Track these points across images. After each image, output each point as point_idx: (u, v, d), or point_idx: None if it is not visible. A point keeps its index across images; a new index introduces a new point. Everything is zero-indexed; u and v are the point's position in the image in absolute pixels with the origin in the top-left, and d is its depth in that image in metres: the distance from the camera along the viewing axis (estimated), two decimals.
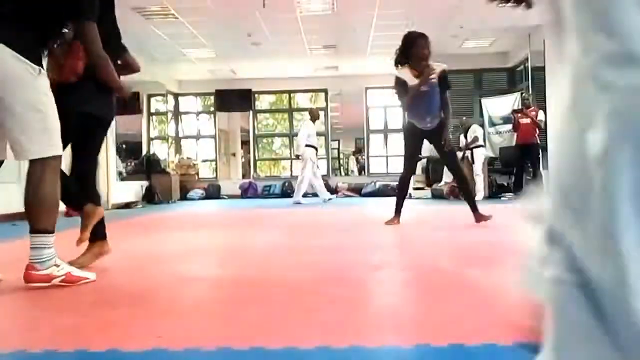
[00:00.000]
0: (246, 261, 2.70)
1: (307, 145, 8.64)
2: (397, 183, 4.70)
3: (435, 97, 4.17)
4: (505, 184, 8.87)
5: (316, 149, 8.84)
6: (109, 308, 1.68)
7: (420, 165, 10.84)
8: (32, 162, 1.91)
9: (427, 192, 9.52)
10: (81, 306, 1.71)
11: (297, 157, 9.39)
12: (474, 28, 8.70)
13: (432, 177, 9.90)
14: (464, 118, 9.22)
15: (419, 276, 2.16)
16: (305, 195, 9.00)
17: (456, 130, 9.81)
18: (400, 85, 4.24)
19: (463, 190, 4.51)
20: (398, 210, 4.40)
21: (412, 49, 4.19)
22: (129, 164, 9.90)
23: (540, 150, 7.83)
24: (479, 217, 4.13)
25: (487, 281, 1.97)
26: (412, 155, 4.56)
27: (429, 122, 4.19)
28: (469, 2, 7.48)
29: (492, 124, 9.75)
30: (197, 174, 12.34)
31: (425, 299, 1.78)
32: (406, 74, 4.20)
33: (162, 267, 2.54)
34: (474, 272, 2.16)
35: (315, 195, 9.28)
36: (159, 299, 1.84)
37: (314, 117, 8.86)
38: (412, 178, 4.77)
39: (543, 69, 7.86)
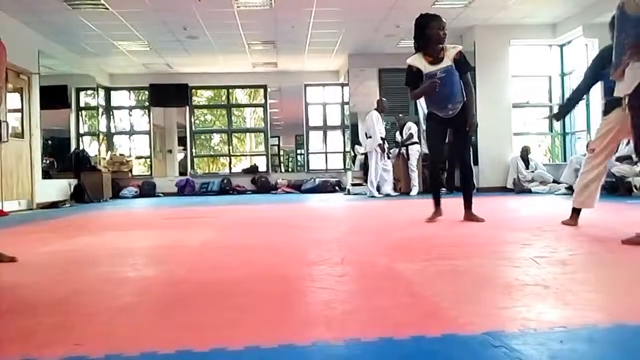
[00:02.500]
0: (178, 261, 2.63)
1: (369, 137, 8.58)
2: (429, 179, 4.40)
3: (455, 82, 3.82)
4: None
5: (383, 140, 8.64)
6: (25, 316, 1.57)
7: (358, 162, 11.02)
8: None
9: (365, 188, 9.66)
10: None
11: (363, 154, 9.24)
12: (409, 28, 8.89)
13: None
14: (400, 115, 9.44)
15: (353, 271, 2.18)
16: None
17: (392, 127, 10.03)
18: (412, 74, 3.97)
19: (465, 183, 4.11)
20: (437, 204, 4.08)
21: (426, 31, 3.85)
22: (55, 160, 9.36)
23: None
24: (469, 216, 3.94)
25: (419, 275, 2.02)
26: (437, 146, 4.17)
27: (451, 110, 3.87)
28: (404, 2, 7.65)
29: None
30: (131, 171, 11.92)
31: (357, 294, 1.80)
32: (420, 61, 3.91)
33: (87, 270, 2.42)
34: (407, 266, 2.20)
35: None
36: (81, 304, 1.75)
37: (381, 109, 8.63)
38: (439, 171, 4.53)
39: (473, 69, 8.17)
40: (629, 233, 2.66)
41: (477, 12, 8.27)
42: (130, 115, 13.02)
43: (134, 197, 11.05)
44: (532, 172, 8.63)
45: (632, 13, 2.53)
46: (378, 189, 8.63)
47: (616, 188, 6.92)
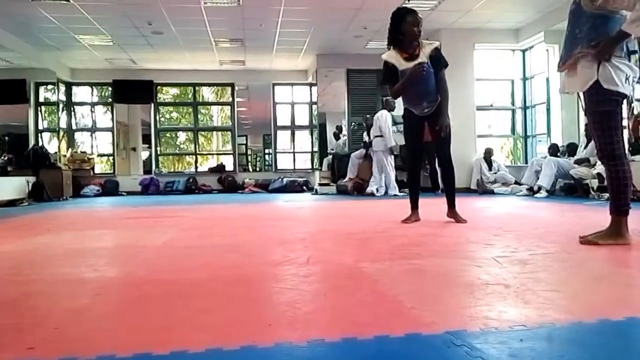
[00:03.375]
0: (139, 261, 2.56)
1: (378, 136, 8.53)
2: (406, 178, 4.17)
3: (430, 80, 3.75)
4: (404, 180, 9.24)
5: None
6: None
7: (326, 162, 11.04)
8: None
9: (333, 188, 9.70)
10: None
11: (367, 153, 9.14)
12: (377, 29, 8.98)
13: (337, 173, 10.10)
14: (367, 116, 9.50)
15: (318, 271, 2.17)
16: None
17: (359, 128, 10.08)
18: (388, 70, 3.84)
19: (448, 178, 4.05)
20: (414, 207, 4.02)
21: (401, 25, 3.76)
22: (13, 157, 9.03)
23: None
24: (453, 215, 3.92)
25: (384, 274, 2.02)
26: (412, 145, 4.08)
27: (426, 108, 3.83)
28: (371, 4, 7.71)
29: (394, 123, 10.13)
30: (93, 169, 11.61)
31: (322, 294, 1.79)
32: (395, 57, 3.82)
33: (43, 271, 2.33)
34: (372, 266, 2.21)
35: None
36: (36, 306, 1.68)
37: (390, 108, 8.54)
38: (417, 170, 4.23)
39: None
40: (585, 233, 2.74)
41: (443, 16, 8.40)
42: (93, 111, 12.68)
43: (96, 195, 10.77)
44: (495, 173, 8.82)
45: (587, 9, 2.57)
46: (360, 189, 8.73)
47: (574, 189, 7.16)
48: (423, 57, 3.76)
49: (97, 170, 12.07)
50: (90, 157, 11.58)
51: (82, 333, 1.35)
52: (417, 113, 3.89)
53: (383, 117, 8.55)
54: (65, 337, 1.31)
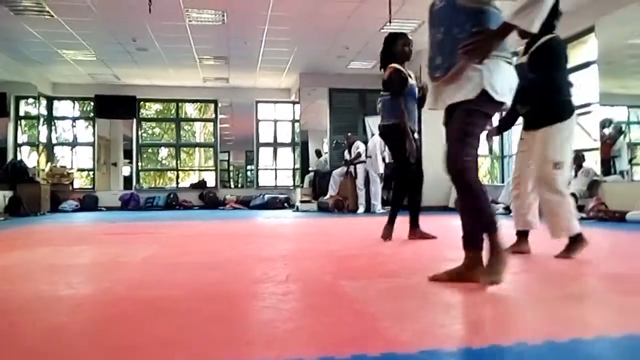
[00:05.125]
0: (117, 278, 2.54)
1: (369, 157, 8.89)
2: (395, 194, 4.21)
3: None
4: (385, 198, 9.31)
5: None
6: None
7: (307, 179, 11.07)
8: None
9: (314, 205, 9.72)
10: None
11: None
12: (358, 50, 9.12)
13: (318, 190, 10.14)
14: (349, 134, 9.59)
15: (297, 289, 2.18)
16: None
17: (338, 146, 10.17)
18: (402, 80, 3.93)
19: (417, 194, 4.09)
20: (391, 222, 4.00)
21: (392, 48, 4.00)
22: None
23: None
24: (421, 234, 3.98)
25: (362, 293, 2.04)
26: (408, 162, 4.01)
27: (414, 125, 4.02)
28: (353, 25, 7.84)
29: None
30: (72, 183, 11.44)
31: (300, 312, 1.80)
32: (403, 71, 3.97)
33: (18, 287, 2.29)
34: (350, 284, 2.23)
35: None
36: (9, 323, 1.65)
37: None
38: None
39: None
40: (551, 252, 2.81)
41: (424, 37, 8.55)
42: (74, 126, 12.56)
43: (74, 210, 10.61)
44: None
45: (467, 4, 2.10)
46: (341, 207, 8.82)
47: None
48: (412, 78, 4.03)
49: (77, 185, 11.91)
50: (69, 171, 11.44)
51: (56, 351, 1.34)
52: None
53: (374, 143, 8.90)
54: (39, 356, 1.30)
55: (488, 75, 2.05)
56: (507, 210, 7.59)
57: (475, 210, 2.13)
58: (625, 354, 1.33)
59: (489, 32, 2.04)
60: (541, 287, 2.23)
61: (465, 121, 2.09)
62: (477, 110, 2.09)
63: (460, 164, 2.08)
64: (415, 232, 4.03)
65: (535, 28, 1.97)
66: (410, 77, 4.01)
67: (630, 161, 6.86)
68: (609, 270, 2.65)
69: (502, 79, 2.07)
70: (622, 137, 6.83)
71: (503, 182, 9.30)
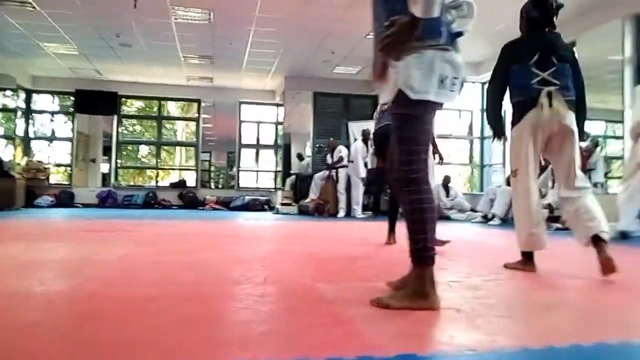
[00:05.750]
0: (91, 275, 2.49)
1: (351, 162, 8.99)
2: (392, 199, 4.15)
3: None
4: (366, 203, 9.35)
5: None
6: None
7: (289, 182, 11.06)
8: None
9: (294, 208, 9.70)
10: None
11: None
12: (344, 55, 9.15)
13: (299, 193, 10.13)
14: (331, 139, 9.61)
15: (275, 291, 2.17)
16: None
17: (320, 150, 10.18)
18: None
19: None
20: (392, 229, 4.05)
21: None
22: None
23: None
24: (391, 241, 4.02)
25: (340, 296, 2.03)
26: None
27: None
28: (340, 30, 7.87)
29: None
30: (48, 179, 11.22)
31: (277, 315, 1.78)
32: None
33: None
34: (329, 287, 2.22)
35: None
36: None
37: (365, 138, 8.77)
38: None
39: None
40: (537, 262, 2.85)
41: None
42: (52, 120, 12.34)
43: (50, 206, 10.41)
44: (452, 200, 9.04)
45: None
46: (321, 210, 8.86)
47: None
48: None
49: (53, 180, 11.69)
50: (46, 166, 11.23)
51: (25, 350, 1.30)
52: None
53: (356, 148, 8.95)
54: (7, 354, 1.27)
55: (404, 71, 1.80)
56: (485, 218, 7.68)
57: (413, 232, 1.86)
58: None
59: (400, 23, 1.72)
60: (521, 295, 2.26)
61: (395, 126, 1.90)
62: (397, 114, 1.88)
63: (403, 174, 1.87)
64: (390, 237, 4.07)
65: (419, 12, 1.66)
66: None
67: (605, 174, 7.01)
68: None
69: (426, 73, 1.79)
70: (598, 150, 6.98)
71: (482, 191, 9.41)
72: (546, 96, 2.72)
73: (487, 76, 9.59)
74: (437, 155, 4.10)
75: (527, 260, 2.86)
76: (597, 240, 2.56)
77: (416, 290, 1.81)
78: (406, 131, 1.86)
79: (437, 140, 3.98)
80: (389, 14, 1.81)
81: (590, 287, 2.47)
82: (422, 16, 1.67)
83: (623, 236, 4.74)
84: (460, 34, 1.88)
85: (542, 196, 6.84)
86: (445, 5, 1.83)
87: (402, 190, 1.88)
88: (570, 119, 2.72)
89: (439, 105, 1.87)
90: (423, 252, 1.81)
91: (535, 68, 2.77)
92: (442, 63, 1.80)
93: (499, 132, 3.10)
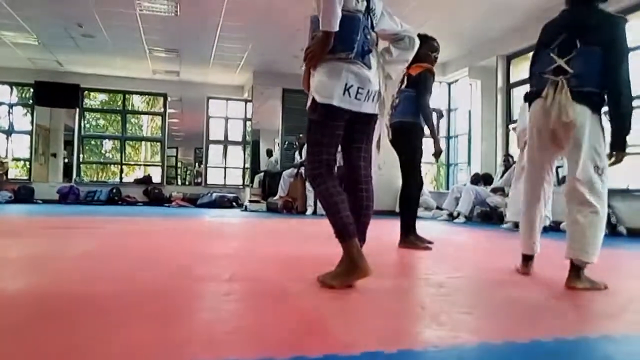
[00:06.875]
0: (49, 273, 2.40)
1: None
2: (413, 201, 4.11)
3: None
4: None
5: None
6: None
7: (257, 179, 10.98)
8: None
9: (263, 206, 9.64)
10: None
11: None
12: None
13: (267, 190, 10.08)
14: (300, 136, 9.57)
15: (241, 289, 2.14)
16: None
17: (289, 147, 10.14)
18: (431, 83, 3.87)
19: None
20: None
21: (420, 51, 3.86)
22: None
23: None
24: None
25: (307, 294, 2.02)
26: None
27: None
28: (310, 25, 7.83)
29: None
30: (6, 173, 10.82)
31: (242, 312, 1.76)
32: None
33: None
34: (296, 284, 2.20)
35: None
36: None
37: None
38: None
39: None
40: (498, 256, 2.90)
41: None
42: (10, 113, 11.88)
43: (7, 202, 10.04)
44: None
45: (315, 12, 2.14)
46: (290, 208, 8.82)
47: (490, 216, 7.59)
48: None
49: (11, 175, 11.27)
50: (4, 161, 10.82)
51: None
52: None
53: None
54: None
55: (316, 78, 2.09)
56: (450, 216, 7.81)
57: (329, 215, 2.09)
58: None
59: (317, 37, 2.06)
60: (483, 292, 2.29)
61: (306, 129, 2.21)
62: (308, 119, 2.15)
63: (309, 172, 2.17)
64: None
65: (324, 26, 1.99)
66: None
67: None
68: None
69: (333, 81, 2.07)
70: None
71: (448, 189, 9.56)
72: (552, 86, 2.35)
73: (452, 76, 9.83)
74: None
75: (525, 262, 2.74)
76: (572, 263, 2.36)
77: (348, 264, 2.04)
78: (312, 134, 2.14)
79: (437, 140, 4.00)
80: (314, 28, 2.11)
81: (555, 283, 2.53)
82: (323, 29, 1.98)
83: (516, 226, 5.04)
84: (369, 51, 2.13)
85: (506, 195, 7.01)
86: (385, 34, 2.23)
87: (312, 185, 2.17)
88: (576, 111, 2.28)
89: (345, 112, 2.09)
90: (342, 229, 2.04)
91: (555, 53, 2.39)
92: (348, 74, 2.06)
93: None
